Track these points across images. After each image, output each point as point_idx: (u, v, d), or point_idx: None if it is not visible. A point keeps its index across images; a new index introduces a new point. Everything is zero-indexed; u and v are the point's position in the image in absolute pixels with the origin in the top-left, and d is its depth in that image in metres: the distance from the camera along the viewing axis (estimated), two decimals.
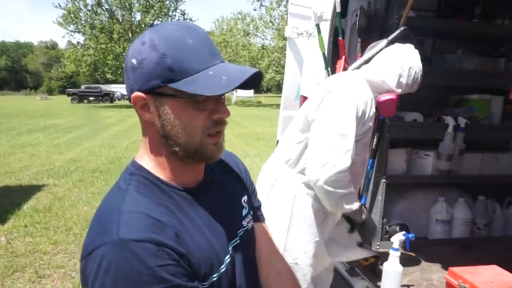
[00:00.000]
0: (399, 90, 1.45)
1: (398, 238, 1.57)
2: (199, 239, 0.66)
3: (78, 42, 27.40)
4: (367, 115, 1.35)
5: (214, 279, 0.67)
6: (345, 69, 1.99)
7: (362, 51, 1.95)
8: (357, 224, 1.42)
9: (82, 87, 33.01)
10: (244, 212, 0.81)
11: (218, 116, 0.66)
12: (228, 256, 0.71)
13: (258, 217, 0.87)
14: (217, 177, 0.78)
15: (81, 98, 29.12)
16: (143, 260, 0.57)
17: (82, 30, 25.12)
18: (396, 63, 1.44)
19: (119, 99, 32.55)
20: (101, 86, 31.94)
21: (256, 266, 0.81)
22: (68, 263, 2.93)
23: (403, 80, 1.43)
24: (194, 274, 0.64)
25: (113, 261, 0.57)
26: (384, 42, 1.77)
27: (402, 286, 1.61)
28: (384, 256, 1.65)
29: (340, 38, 1.99)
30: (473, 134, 2.03)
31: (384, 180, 1.97)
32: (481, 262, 1.38)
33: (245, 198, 0.82)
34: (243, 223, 0.79)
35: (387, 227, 2.02)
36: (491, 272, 1.32)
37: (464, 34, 2.24)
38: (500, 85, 2.06)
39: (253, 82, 0.66)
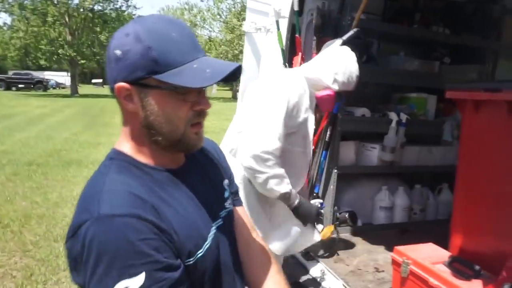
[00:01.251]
0: (336, 87, 1.52)
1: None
2: (182, 216, 0.68)
3: (5, 23, 24.92)
4: (301, 108, 1.43)
5: (199, 255, 0.70)
6: (301, 65, 2.09)
7: (318, 49, 2.07)
8: (293, 210, 1.45)
9: (10, 73, 30.03)
10: (226, 194, 0.84)
11: (200, 107, 0.69)
12: (212, 233, 0.74)
13: (235, 201, 0.91)
14: (197, 159, 0.81)
15: (8, 85, 26.48)
16: (124, 234, 0.59)
17: (10, 9, 22.81)
18: (333, 62, 1.53)
19: (54, 88, 30.18)
20: (32, 72, 29.31)
21: (237, 246, 0.85)
22: (7, 262, 2.72)
23: (339, 78, 1.51)
24: (177, 250, 0.66)
25: (94, 236, 0.59)
26: (338, 41, 1.89)
27: (351, 268, 1.76)
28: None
29: (297, 35, 2.09)
30: (412, 129, 2.25)
31: (335, 171, 2.11)
32: (418, 243, 1.56)
33: (226, 181, 0.86)
34: (225, 204, 0.82)
35: (338, 214, 2.17)
36: (429, 249, 1.50)
37: (406, 37, 2.46)
38: (435, 85, 2.30)
39: (234, 76, 0.70)
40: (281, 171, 1.35)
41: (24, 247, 2.95)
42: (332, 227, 1.77)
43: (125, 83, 0.65)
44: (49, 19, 22.45)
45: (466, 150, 1.52)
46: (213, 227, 0.76)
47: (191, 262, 0.68)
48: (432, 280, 1.29)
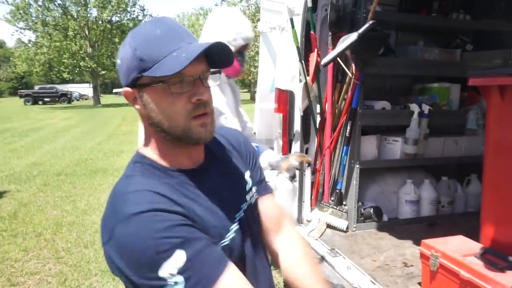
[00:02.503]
0: (233, 48, 1.48)
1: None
2: (203, 211, 0.71)
3: (30, 40, 25.88)
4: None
5: (226, 243, 0.73)
6: (317, 62, 2.08)
7: (333, 44, 2.05)
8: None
9: (36, 87, 31.25)
10: (248, 187, 0.85)
11: (196, 98, 0.69)
12: (235, 229, 0.76)
13: (263, 189, 0.91)
14: (217, 156, 0.82)
15: (35, 99, 27.56)
16: (154, 226, 0.62)
17: (33, 27, 23.74)
18: (215, 28, 1.51)
19: (77, 100, 31.16)
20: (56, 86, 30.42)
21: (261, 240, 0.86)
22: (42, 269, 2.84)
23: (229, 37, 1.49)
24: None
25: (128, 234, 0.62)
26: (354, 35, 1.87)
27: (378, 264, 1.73)
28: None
29: (312, 31, 2.08)
30: (435, 120, 2.19)
31: (357, 166, 2.09)
32: (448, 236, 1.51)
33: (248, 173, 0.87)
34: (246, 197, 0.83)
35: (362, 210, 2.14)
36: (458, 241, 1.46)
37: (424, 27, 2.40)
38: (457, 73, 2.24)
39: (222, 59, 0.72)
40: None
41: (57, 254, 3.07)
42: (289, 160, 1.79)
43: (128, 87, 0.71)
44: (70, 33, 23.24)
45: (492, 138, 1.47)
46: (235, 221, 0.78)
47: None
48: (463, 273, 1.25)
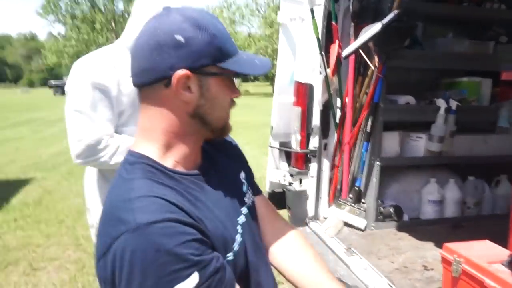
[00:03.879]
0: None
1: None
2: (213, 221, 0.66)
3: (59, 33, 26.77)
4: (117, 88, 1.31)
5: (229, 258, 0.68)
6: (339, 54, 2.00)
7: (355, 35, 1.97)
8: None
9: (65, 79, 32.27)
10: (244, 188, 0.81)
11: (236, 95, 0.73)
12: (239, 235, 0.72)
13: (256, 189, 0.88)
14: (213, 158, 0.78)
15: (64, 90, 28.38)
16: (170, 239, 0.55)
17: (63, 20, 24.49)
18: (141, 9, 1.39)
19: None
20: None
21: (261, 241, 0.82)
22: (62, 255, 2.91)
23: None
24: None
25: (137, 249, 0.54)
26: (378, 25, 1.78)
27: (396, 265, 1.66)
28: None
29: (333, 22, 2.00)
30: (463, 116, 2.07)
31: (378, 163, 2.00)
32: (472, 239, 1.42)
33: (242, 174, 0.83)
34: (245, 199, 0.80)
35: (382, 208, 2.06)
36: (483, 247, 1.37)
37: (454, 18, 2.27)
38: (489, 67, 2.10)
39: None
40: (108, 145, 1.31)
41: (77, 241, 3.14)
42: None
43: (187, 71, 0.63)
44: (97, 26, 23.81)
45: None
46: (239, 227, 0.74)
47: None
48: (488, 282, 1.17)
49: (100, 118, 1.29)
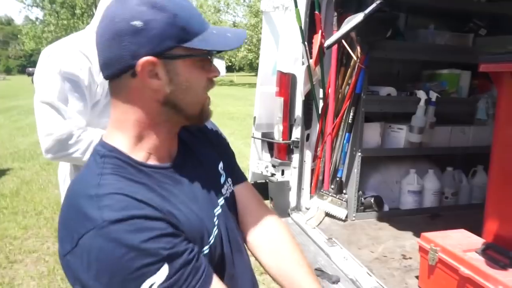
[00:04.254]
0: None
1: None
2: (187, 214, 0.64)
3: (37, 18, 25.83)
4: (88, 78, 1.25)
5: (205, 251, 0.67)
6: (321, 44, 1.99)
7: (339, 25, 1.95)
8: None
9: None
10: (222, 179, 0.79)
11: (214, 74, 0.67)
12: (216, 227, 0.71)
13: (238, 177, 0.85)
14: (190, 148, 0.75)
15: None
16: (137, 236, 0.54)
17: (41, 4, 23.61)
18: None
19: None
20: None
21: (238, 232, 0.80)
22: (41, 247, 2.85)
23: None
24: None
25: (104, 246, 0.53)
26: (360, 15, 1.78)
27: (376, 255, 1.69)
28: None
29: (316, 11, 1.98)
30: (443, 108, 2.10)
31: (359, 154, 2.02)
32: (450, 229, 1.45)
33: (221, 164, 0.80)
34: (222, 191, 0.77)
35: (363, 199, 2.09)
36: (459, 236, 1.40)
37: (436, 9, 2.28)
38: (469, 59, 2.12)
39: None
40: (78, 141, 1.24)
41: (56, 233, 3.05)
42: None
43: (151, 57, 0.59)
44: (78, 11, 23.05)
45: (502, 128, 1.39)
46: (215, 218, 0.72)
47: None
48: (463, 269, 1.20)
49: (70, 111, 1.22)
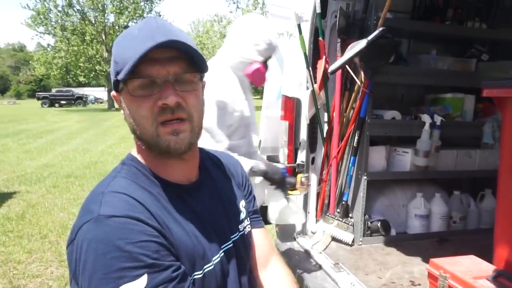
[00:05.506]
0: (261, 58, 1.51)
1: None
2: (183, 232, 0.65)
3: (49, 44, 26.52)
4: (235, 101, 1.46)
5: (197, 276, 0.66)
6: (325, 69, 2.02)
7: (342, 51, 2.00)
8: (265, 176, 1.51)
9: (53, 90, 31.94)
10: (242, 216, 0.80)
11: (161, 101, 0.62)
12: (217, 256, 0.70)
13: (255, 222, 0.87)
14: (213, 178, 0.77)
15: (52, 102, 28.14)
16: (125, 235, 0.56)
17: (53, 31, 24.31)
18: (246, 35, 1.50)
19: (92, 103, 31.69)
20: (73, 89, 31.02)
21: (251, 272, 0.80)
22: (44, 272, 2.82)
23: (260, 47, 1.50)
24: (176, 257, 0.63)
25: (93, 239, 0.56)
26: (363, 42, 1.81)
27: (384, 281, 1.65)
28: None
29: (320, 38, 2.03)
30: (448, 132, 2.10)
31: (365, 177, 2.01)
32: (459, 254, 1.42)
33: (242, 202, 0.82)
34: (239, 227, 0.78)
35: (369, 223, 2.06)
36: (469, 262, 1.37)
37: (438, 35, 2.33)
38: (472, 84, 2.15)
39: (198, 61, 0.65)
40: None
41: (60, 257, 3.05)
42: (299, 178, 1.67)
43: (114, 92, 0.68)
44: (88, 38, 23.69)
45: (508, 152, 1.39)
46: (221, 251, 0.71)
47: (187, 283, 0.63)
48: None
49: (220, 135, 1.40)
